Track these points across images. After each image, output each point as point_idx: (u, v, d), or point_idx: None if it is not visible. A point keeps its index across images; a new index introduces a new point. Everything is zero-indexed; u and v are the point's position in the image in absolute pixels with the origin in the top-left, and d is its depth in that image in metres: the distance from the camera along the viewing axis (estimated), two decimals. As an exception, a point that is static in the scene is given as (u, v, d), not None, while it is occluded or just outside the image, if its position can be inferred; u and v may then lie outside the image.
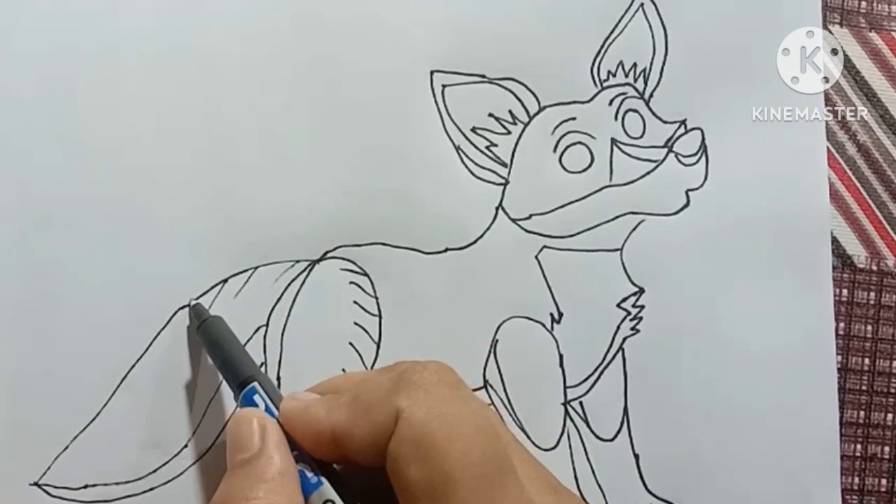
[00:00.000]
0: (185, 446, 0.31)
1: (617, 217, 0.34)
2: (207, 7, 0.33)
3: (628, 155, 0.34)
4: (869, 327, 0.36)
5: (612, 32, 0.35)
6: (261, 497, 0.24)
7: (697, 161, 0.35)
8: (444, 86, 0.34)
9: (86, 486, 0.30)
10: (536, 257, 0.34)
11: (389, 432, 0.25)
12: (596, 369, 0.34)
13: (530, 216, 0.34)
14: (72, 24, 0.32)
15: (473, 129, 0.34)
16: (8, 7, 0.31)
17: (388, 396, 0.25)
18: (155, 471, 0.31)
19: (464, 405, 0.25)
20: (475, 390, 0.33)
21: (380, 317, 0.33)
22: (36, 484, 0.30)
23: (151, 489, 0.31)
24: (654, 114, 0.35)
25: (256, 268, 0.32)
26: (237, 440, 0.26)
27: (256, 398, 0.27)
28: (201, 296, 0.32)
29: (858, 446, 0.35)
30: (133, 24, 0.32)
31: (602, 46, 0.35)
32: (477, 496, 0.24)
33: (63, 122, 0.32)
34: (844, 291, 0.36)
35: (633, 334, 0.34)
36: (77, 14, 0.32)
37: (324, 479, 0.26)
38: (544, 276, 0.34)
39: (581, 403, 0.34)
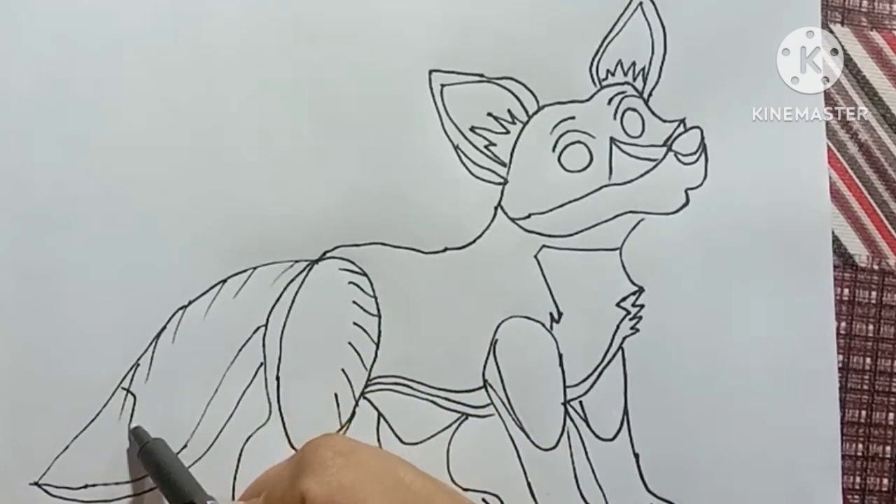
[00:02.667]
0: (185, 446, 0.31)
1: (616, 216, 0.34)
2: (207, 6, 0.32)
3: (627, 154, 0.34)
4: (870, 326, 0.35)
5: (610, 31, 0.35)
6: None
7: (697, 160, 0.34)
8: (442, 85, 0.33)
9: (86, 486, 0.30)
10: (536, 257, 0.34)
11: None
12: (596, 369, 0.33)
13: (529, 215, 0.34)
14: (72, 23, 0.32)
15: (472, 129, 0.34)
16: (8, 7, 0.31)
17: (292, 484, 0.26)
18: None
19: (361, 469, 0.26)
20: (475, 390, 0.33)
21: (379, 316, 0.33)
22: (36, 484, 0.30)
23: (151, 489, 0.31)
24: (653, 113, 0.35)
25: (255, 268, 0.32)
26: None
27: None
28: (201, 296, 0.32)
29: (860, 446, 0.35)
30: (133, 23, 0.32)
31: (601, 45, 0.34)
32: None
33: (62, 122, 0.31)
34: (846, 291, 0.35)
35: (632, 333, 0.34)
36: (77, 14, 0.32)
37: None
38: (543, 275, 0.33)
39: (581, 403, 0.33)
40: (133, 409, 0.31)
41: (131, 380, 0.31)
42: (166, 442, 0.30)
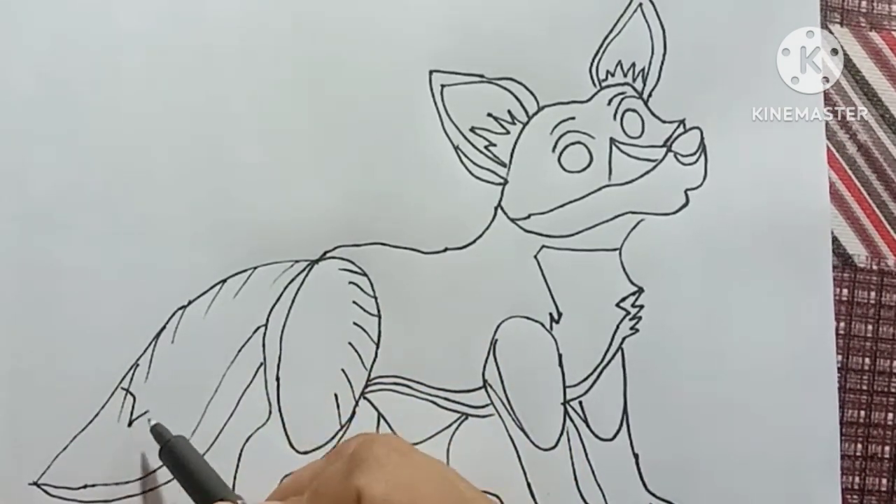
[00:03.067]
0: (185, 446, 0.31)
1: (616, 216, 0.34)
2: (207, 7, 0.32)
3: (627, 154, 0.34)
4: (869, 327, 0.35)
5: (610, 32, 0.34)
6: None
7: (696, 160, 0.34)
8: (443, 86, 0.33)
9: (85, 486, 0.30)
10: (535, 257, 0.33)
11: None
12: (595, 369, 0.33)
13: (529, 216, 0.33)
14: (71, 23, 0.31)
15: (472, 129, 0.33)
16: (7, 7, 0.31)
17: (346, 481, 0.26)
18: (154, 470, 0.30)
19: (418, 469, 0.26)
20: (475, 390, 0.33)
21: (379, 317, 0.32)
22: (35, 483, 0.30)
23: (151, 489, 0.30)
24: (652, 113, 0.34)
25: (255, 268, 0.32)
26: None
27: None
28: (200, 296, 0.31)
29: (859, 446, 0.34)
30: (133, 23, 0.32)
31: (601, 46, 0.34)
32: None
33: (63, 123, 0.31)
34: (845, 291, 0.35)
35: (632, 334, 0.34)
36: (77, 14, 0.32)
37: None
38: (543, 275, 0.33)
39: (580, 403, 0.33)
40: (133, 410, 0.31)
41: (131, 380, 0.31)
42: (186, 439, 0.30)
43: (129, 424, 0.31)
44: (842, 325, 0.35)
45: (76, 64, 0.31)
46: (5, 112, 0.31)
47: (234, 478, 0.31)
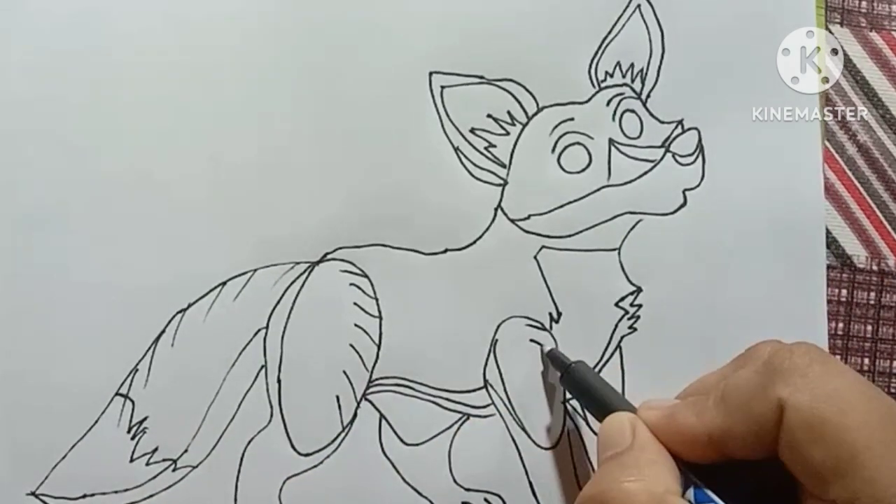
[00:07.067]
0: (186, 451, 0.30)
1: (615, 217, 0.33)
2: (207, 8, 0.31)
3: (626, 155, 0.33)
4: (869, 327, 0.34)
5: (609, 33, 0.34)
6: (633, 481, 0.24)
7: (694, 161, 0.33)
8: (442, 87, 0.32)
9: (84, 496, 0.29)
10: (535, 257, 0.32)
11: (773, 424, 0.23)
12: (594, 368, 0.32)
13: (529, 216, 0.32)
14: (69, 23, 0.30)
15: (472, 130, 0.32)
16: (4, 7, 0.30)
17: (764, 389, 0.24)
18: (154, 478, 0.29)
19: (842, 378, 0.24)
20: (476, 390, 0.32)
21: (380, 318, 0.31)
22: (33, 493, 0.29)
23: (151, 496, 0.29)
24: (651, 114, 0.33)
25: (255, 270, 0.31)
26: (607, 440, 0.26)
27: None
28: (200, 298, 0.30)
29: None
30: (131, 23, 0.31)
31: (599, 47, 0.33)
32: (887, 461, 0.22)
33: (60, 123, 0.30)
34: (844, 291, 0.34)
35: (630, 333, 0.33)
36: (74, 14, 0.30)
37: (698, 482, 0.24)
38: (543, 276, 0.32)
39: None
40: (132, 415, 0.29)
41: (130, 385, 0.30)
42: (586, 363, 0.30)
43: (129, 431, 0.29)
44: (841, 325, 0.34)
45: (75, 64, 0.30)
46: (2, 111, 0.30)
47: (237, 481, 0.30)
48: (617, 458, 0.25)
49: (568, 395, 0.32)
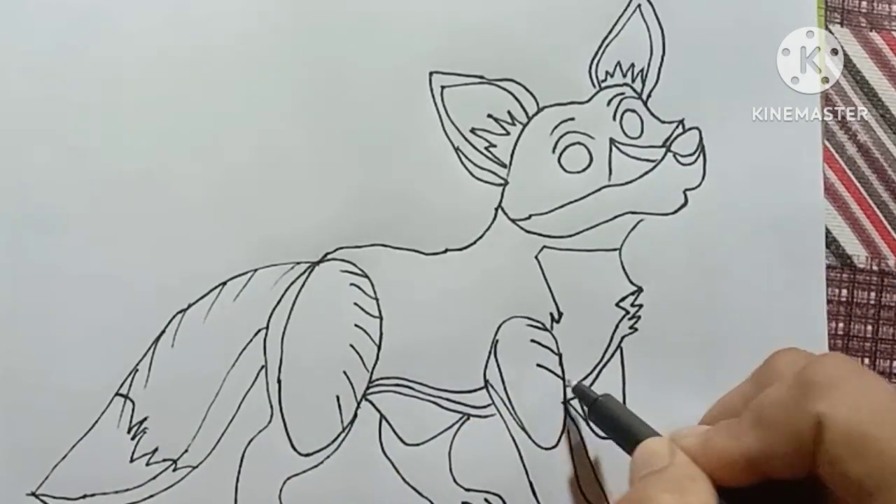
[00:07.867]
0: (186, 451, 0.29)
1: (616, 217, 0.33)
2: (207, 7, 0.31)
3: (627, 155, 0.33)
4: (869, 327, 0.34)
5: (609, 33, 0.33)
6: (673, 493, 0.23)
7: (695, 161, 0.33)
8: (443, 87, 0.32)
9: (84, 497, 0.29)
10: (536, 257, 0.32)
11: (812, 441, 0.23)
12: (595, 368, 0.32)
13: (530, 216, 0.32)
14: (70, 23, 0.30)
15: (472, 130, 0.32)
16: (4, 7, 0.30)
17: (800, 406, 0.23)
18: (154, 478, 0.29)
19: (878, 389, 0.23)
20: (476, 390, 0.31)
21: (380, 318, 0.31)
22: (33, 494, 0.29)
23: (151, 496, 0.29)
24: (651, 114, 0.33)
25: (256, 270, 0.31)
26: (643, 462, 0.25)
27: None
28: (200, 299, 0.30)
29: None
30: (131, 23, 0.30)
31: (600, 47, 0.33)
32: None
33: (60, 123, 0.30)
34: (844, 291, 0.34)
35: (631, 333, 0.33)
36: (75, 14, 0.30)
37: None
38: (544, 276, 0.32)
39: (581, 402, 0.32)
40: (132, 416, 0.29)
41: (130, 385, 0.29)
42: (612, 396, 0.30)
43: (129, 431, 0.29)
44: (841, 325, 0.34)
45: (75, 64, 0.30)
46: (1, 113, 0.29)
47: (237, 481, 0.30)
48: (656, 473, 0.24)
49: (569, 395, 0.32)
